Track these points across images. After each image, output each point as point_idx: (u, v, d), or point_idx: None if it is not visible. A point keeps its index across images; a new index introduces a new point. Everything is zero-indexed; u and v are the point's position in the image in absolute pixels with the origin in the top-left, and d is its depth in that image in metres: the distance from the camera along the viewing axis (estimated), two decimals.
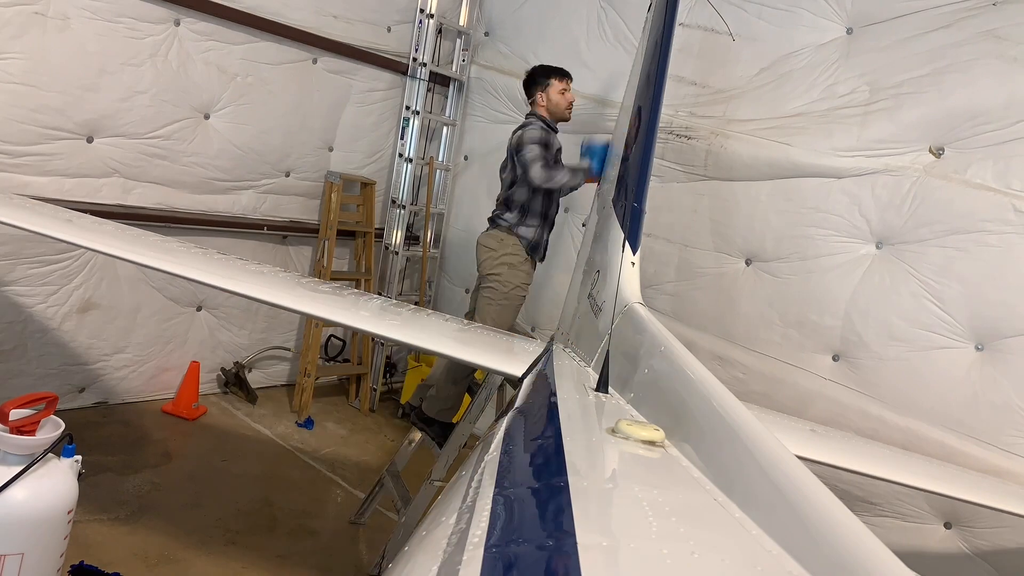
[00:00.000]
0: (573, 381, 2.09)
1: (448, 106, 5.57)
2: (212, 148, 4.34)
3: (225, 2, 4.13)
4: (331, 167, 5.04)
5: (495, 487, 1.25)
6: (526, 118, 3.92)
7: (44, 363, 3.92)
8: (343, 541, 3.60)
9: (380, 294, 5.28)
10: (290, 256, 5.00)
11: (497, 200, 3.96)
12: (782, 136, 3.89)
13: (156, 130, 4.06)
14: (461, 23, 5.39)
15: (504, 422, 1.73)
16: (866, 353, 3.60)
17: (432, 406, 3.62)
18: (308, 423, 4.74)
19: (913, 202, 3.50)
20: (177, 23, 4.01)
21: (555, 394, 1.97)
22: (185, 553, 3.16)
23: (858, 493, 3.50)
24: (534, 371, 2.37)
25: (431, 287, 5.69)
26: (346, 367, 5.38)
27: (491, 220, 3.93)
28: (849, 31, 3.79)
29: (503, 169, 3.97)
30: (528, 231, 3.81)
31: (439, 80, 5.42)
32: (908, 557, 1.16)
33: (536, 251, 3.88)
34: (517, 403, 1.94)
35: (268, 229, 4.75)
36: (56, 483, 2.32)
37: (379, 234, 5.42)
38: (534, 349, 2.80)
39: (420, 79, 5.23)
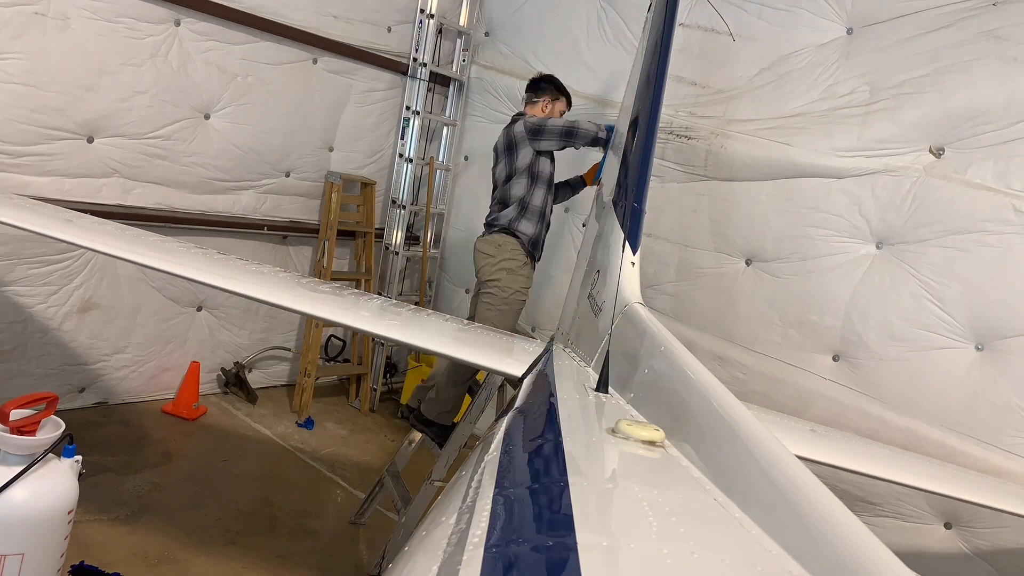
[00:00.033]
0: (573, 381, 2.09)
1: (448, 106, 5.57)
2: (212, 148, 4.34)
3: (225, 2, 4.13)
4: (331, 167, 5.04)
5: (495, 487, 1.25)
6: (515, 116, 3.92)
7: (44, 363, 3.92)
8: (343, 541, 3.60)
9: (380, 294, 5.28)
10: (290, 256, 5.00)
11: (492, 200, 3.94)
12: (782, 136, 3.89)
13: (156, 130, 4.06)
14: (461, 23, 5.39)
15: (504, 422, 1.73)
16: (866, 353, 3.60)
17: (432, 408, 3.61)
18: (308, 423, 4.74)
19: (913, 202, 3.50)
20: (177, 23, 4.01)
21: (555, 394, 1.97)
22: (185, 553, 3.16)
23: (858, 493, 3.50)
24: (534, 371, 2.37)
25: (431, 287, 5.69)
26: (346, 367, 5.39)
27: (487, 224, 3.89)
28: (849, 31, 3.79)
29: (495, 168, 3.94)
30: (528, 227, 3.77)
31: (439, 80, 5.42)
32: (908, 557, 1.16)
33: (536, 248, 3.84)
34: (517, 403, 1.94)
35: (268, 229, 4.75)
36: (56, 483, 2.32)
37: (379, 234, 5.42)
38: (534, 349, 2.80)
39: (420, 79, 5.23)
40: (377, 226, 5.35)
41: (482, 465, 1.41)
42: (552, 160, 3.85)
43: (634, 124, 2.92)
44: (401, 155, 5.36)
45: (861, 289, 3.63)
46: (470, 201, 5.47)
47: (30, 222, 2.76)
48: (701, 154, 4.17)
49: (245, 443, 4.34)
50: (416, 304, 5.32)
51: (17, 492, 2.23)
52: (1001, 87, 3.33)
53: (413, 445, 3.63)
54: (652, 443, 1.49)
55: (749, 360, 3.95)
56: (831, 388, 3.70)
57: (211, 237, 4.38)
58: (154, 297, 4.34)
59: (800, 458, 1.24)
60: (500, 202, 3.85)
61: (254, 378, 4.96)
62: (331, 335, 5.33)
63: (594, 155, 3.96)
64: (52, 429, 2.37)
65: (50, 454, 2.34)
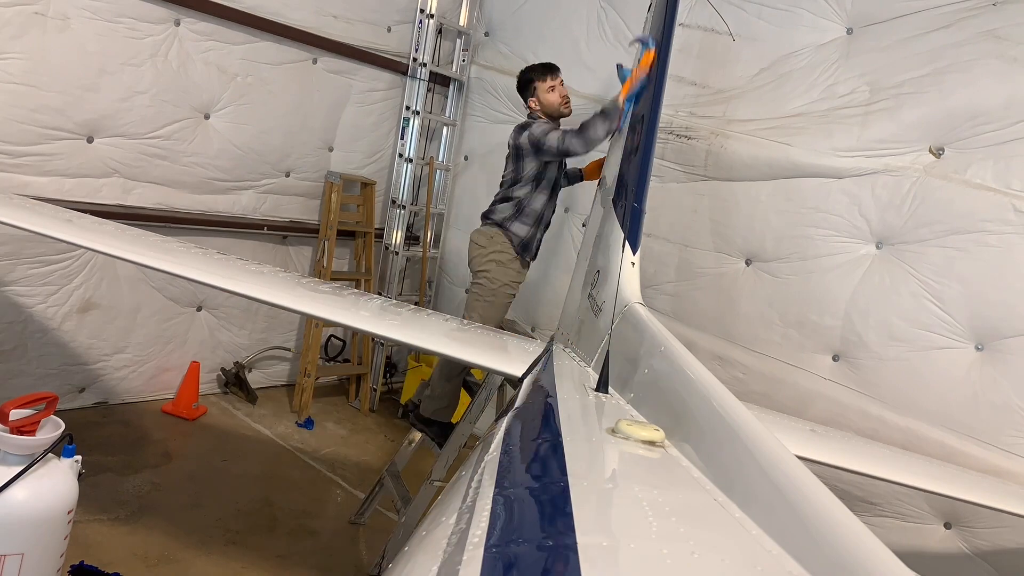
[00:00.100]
0: (573, 381, 2.09)
1: (448, 106, 5.57)
2: (212, 148, 4.34)
3: (225, 2, 4.13)
4: (331, 167, 5.04)
5: (495, 487, 1.25)
6: (528, 118, 3.90)
7: (44, 363, 3.92)
8: (343, 541, 3.60)
9: (380, 294, 5.28)
10: (290, 256, 5.01)
11: (495, 197, 3.93)
12: (782, 136, 3.89)
13: (156, 130, 4.06)
14: (461, 23, 5.39)
15: (504, 422, 1.73)
16: (866, 353, 3.60)
17: (428, 406, 3.62)
18: (308, 423, 4.74)
19: (913, 202, 3.50)
20: (177, 23, 4.01)
21: (555, 394, 1.97)
22: (185, 553, 3.16)
23: (858, 493, 3.50)
24: (534, 371, 2.37)
25: (431, 287, 5.69)
26: (346, 367, 5.39)
27: (484, 215, 3.89)
28: (849, 31, 3.79)
29: (504, 168, 3.92)
30: (521, 228, 3.75)
31: (439, 80, 5.42)
32: (908, 557, 1.16)
33: (527, 250, 3.82)
34: (517, 403, 1.94)
35: (268, 229, 4.75)
36: (56, 483, 2.32)
37: (379, 234, 5.42)
38: (534, 349, 2.80)
39: (420, 79, 5.23)
40: (377, 226, 5.35)
41: (482, 465, 1.41)
42: (560, 164, 3.84)
43: (634, 124, 2.92)
44: (401, 155, 5.36)
45: (861, 289, 3.63)
46: (470, 201, 5.46)
47: (30, 222, 2.77)
48: (701, 154, 4.17)
49: (245, 443, 4.34)
50: (416, 304, 5.32)
51: (17, 492, 2.23)
52: (1001, 87, 3.33)
53: (413, 445, 3.63)
54: (652, 443, 1.49)
55: (749, 360, 3.95)
56: (831, 388, 3.70)
57: (211, 237, 4.38)
58: (154, 297, 4.34)
59: (800, 458, 1.25)
60: (501, 199, 3.84)
61: (254, 378, 4.96)
62: (331, 335, 5.33)
63: (596, 151, 3.92)
64: (52, 429, 2.37)
65: (50, 454, 2.34)
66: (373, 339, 5.24)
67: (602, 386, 1.97)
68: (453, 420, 3.60)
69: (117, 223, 3.18)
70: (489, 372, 2.89)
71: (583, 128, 3.43)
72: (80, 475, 2.43)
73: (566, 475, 1.28)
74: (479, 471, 1.38)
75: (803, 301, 3.80)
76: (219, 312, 4.72)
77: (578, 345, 2.53)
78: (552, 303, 4.70)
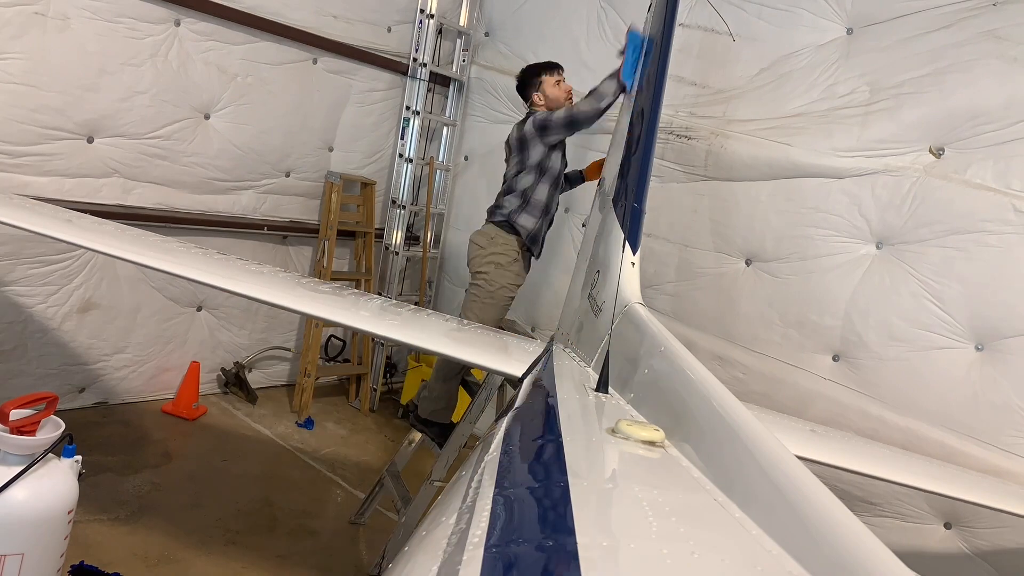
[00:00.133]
0: (573, 381, 2.09)
1: (448, 106, 5.57)
2: (212, 148, 4.34)
3: (225, 2, 4.13)
4: (331, 167, 5.04)
5: (495, 487, 1.25)
6: (528, 114, 3.89)
7: (44, 363, 3.92)
8: (343, 541, 3.60)
9: (380, 294, 5.28)
10: (290, 256, 5.01)
11: (499, 192, 3.89)
12: (782, 136, 3.89)
13: (156, 130, 4.06)
14: (461, 23, 5.39)
15: (504, 422, 1.73)
16: (866, 353, 3.60)
17: (426, 407, 3.62)
18: (308, 423, 4.74)
19: (913, 202, 3.50)
20: (177, 23, 4.01)
21: (555, 394, 1.97)
22: (185, 553, 3.16)
23: (858, 493, 3.50)
24: (534, 371, 2.37)
25: (431, 287, 5.69)
26: (346, 367, 5.39)
27: (490, 211, 3.85)
28: (849, 31, 3.79)
29: (507, 163, 3.90)
30: (529, 220, 3.72)
31: (439, 80, 5.42)
32: (908, 557, 1.16)
33: (535, 243, 3.79)
34: (517, 403, 1.94)
35: (268, 229, 4.75)
36: (56, 483, 2.32)
37: (379, 234, 5.42)
38: (534, 349, 2.80)
39: (420, 79, 5.23)
40: (377, 226, 5.35)
41: (482, 465, 1.41)
42: (563, 156, 3.82)
43: (634, 124, 2.92)
44: (401, 155, 5.36)
45: (861, 289, 3.63)
46: (470, 201, 5.46)
47: (30, 222, 2.76)
48: (701, 154, 4.17)
49: (245, 443, 4.34)
50: (416, 304, 5.32)
51: (17, 492, 2.23)
52: (1001, 87, 3.33)
53: (413, 445, 3.64)
54: (652, 443, 1.49)
55: (749, 360, 3.95)
56: (831, 388, 3.70)
57: (211, 237, 4.38)
58: (154, 297, 4.34)
59: (800, 458, 1.25)
60: (506, 191, 3.81)
61: (254, 378, 4.96)
62: (331, 335, 5.33)
63: (596, 151, 3.93)
64: (52, 429, 2.37)
65: (50, 454, 2.34)
66: (373, 339, 5.24)
67: (602, 386, 1.96)
68: (453, 420, 3.60)
69: (117, 223, 3.18)
70: (489, 372, 2.89)
71: (590, 93, 3.52)
72: (80, 475, 2.43)
73: (566, 475, 1.28)
74: (479, 471, 1.38)
75: (803, 301, 3.80)
76: (219, 312, 4.72)
77: (578, 345, 2.53)
78: (552, 303, 4.70)
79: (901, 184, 3.54)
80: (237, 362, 4.89)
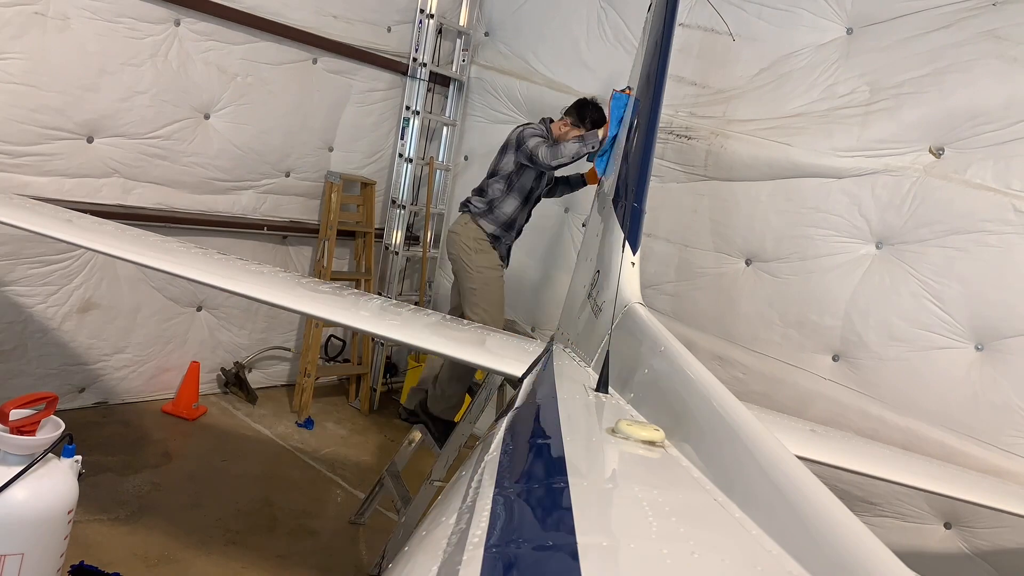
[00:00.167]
0: (573, 381, 2.09)
1: (448, 106, 5.57)
2: (212, 148, 4.34)
3: (225, 2, 4.13)
4: (331, 167, 5.04)
5: (495, 487, 1.25)
6: (539, 124, 3.96)
7: (44, 363, 3.92)
8: (343, 541, 3.60)
9: (380, 294, 5.28)
10: (290, 256, 5.00)
11: (475, 188, 4.02)
12: (782, 136, 3.89)
13: (156, 130, 4.06)
14: (461, 23, 5.39)
15: (504, 422, 1.73)
16: (866, 353, 3.60)
17: (436, 404, 3.65)
18: (308, 423, 4.74)
19: (913, 202, 3.50)
20: (177, 23, 4.01)
21: (555, 394, 1.97)
22: (185, 553, 3.16)
23: (858, 493, 3.50)
24: (534, 371, 2.37)
25: (431, 287, 5.69)
26: (346, 367, 5.38)
27: (463, 203, 3.99)
28: (849, 31, 3.79)
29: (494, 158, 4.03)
30: (488, 226, 3.86)
31: (439, 80, 5.42)
32: (908, 557, 1.16)
33: (498, 243, 3.91)
34: (517, 403, 1.94)
35: (268, 229, 4.75)
36: (56, 483, 2.32)
37: (379, 234, 5.42)
38: (534, 349, 2.80)
39: (420, 79, 5.22)
40: (377, 226, 5.35)
41: (482, 465, 1.41)
42: (539, 176, 3.87)
43: (634, 123, 2.92)
44: (401, 155, 5.36)
45: (861, 289, 3.63)
46: None
47: (30, 222, 2.77)
48: (701, 154, 4.17)
49: (245, 443, 4.34)
50: (416, 304, 5.32)
51: (17, 492, 2.23)
52: (1001, 87, 3.33)
53: (413, 445, 3.64)
54: (652, 443, 1.49)
55: (749, 360, 3.95)
56: (831, 388, 3.70)
57: (211, 237, 4.38)
58: (154, 297, 4.34)
59: (800, 458, 1.25)
60: (479, 190, 3.97)
61: (254, 378, 4.96)
62: (331, 335, 5.33)
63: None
64: (52, 429, 2.37)
65: (50, 454, 2.34)
66: (373, 339, 5.24)
67: (602, 386, 1.96)
68: (454, 420, 3.60)
69: (117, 223, 3.19)
70: (489, 372, 2.89)
71: (556, 143, 3.66)
72: (80, 475, 2.43)
73: (566, 475, 1.28)
74: (479, 471, 1.38)
75: (803, 301, 3.80)
76: (219, 312, 4.71)
77: (578, 345, 2.53)
78: (552, 303, 4.70)
79: (901, 184, 3.54)
80: (237, 362, 4.89)
